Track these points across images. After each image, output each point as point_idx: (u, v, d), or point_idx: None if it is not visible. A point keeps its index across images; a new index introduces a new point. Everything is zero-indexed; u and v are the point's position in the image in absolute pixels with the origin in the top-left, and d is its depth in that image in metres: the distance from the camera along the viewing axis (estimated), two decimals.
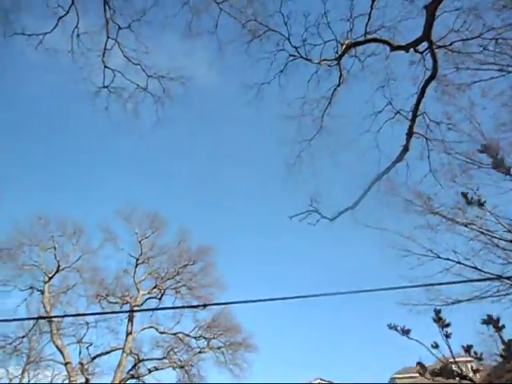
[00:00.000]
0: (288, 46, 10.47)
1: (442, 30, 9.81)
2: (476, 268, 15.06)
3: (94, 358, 26.02)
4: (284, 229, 30.54)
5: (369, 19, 9.75)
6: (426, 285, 18.22)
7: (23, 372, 26.02)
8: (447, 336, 2.80)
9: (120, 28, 11.64)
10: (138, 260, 28.43)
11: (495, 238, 14.71)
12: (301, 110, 11.36)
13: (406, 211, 15.75)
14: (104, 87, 12.19)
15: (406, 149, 9.74)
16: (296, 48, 10.37)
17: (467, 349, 2.47)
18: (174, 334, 27.33)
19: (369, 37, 9.72)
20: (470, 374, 2.78)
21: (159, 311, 28.11)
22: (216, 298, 27.44)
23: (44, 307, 25.57)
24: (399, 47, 9.15)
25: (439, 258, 15.89)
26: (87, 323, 26.35)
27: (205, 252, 28.93)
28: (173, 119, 14.51)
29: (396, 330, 2.93)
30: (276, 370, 31.60)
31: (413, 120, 9.60)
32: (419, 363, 2.88)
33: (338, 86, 10.76)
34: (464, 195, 2.35)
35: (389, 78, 10.48)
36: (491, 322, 2.24)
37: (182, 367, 26.69)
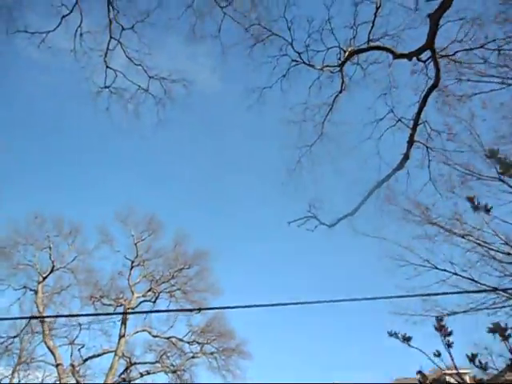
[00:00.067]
0: (291, 51, 10.49)
1: (445, 40, 9.87)
2: (473, 280, 15.02)
3: (86, 360, 25.79)
4: (282, 235, 30.47)
5: (372, 27, 9.78)
6: (422, 295, 18.16)
7: (13, 372, 25.69)
8: (449, 345, 2.74)
9: (123, 29, 11.63)
10: (133, 262, 28.27)
11: (492, 250, 14.69)
12: (302, 115, 11.37)
13: (404, 220, 15.74)
14: (105, 87, 12.16)
15: (406, 157, 9.73)
16: (299, 53, 10.39)
17: (472, 358, 2.40)
18: (167, 338, 27.13)
19: (372, 44, 9.74)
20: None
21: (153, 315, 27.86)
22: (210, 302, 27.35)
23: (37, 307, 25.36)
24: (402, 55, 9.16)
25: (436, 268, 15.85)
26: (80, 325, 26.16)
27: (201, 256, 28.82)
28: (174, 122, 14.47)
29: (397, 337, 2.86)
30: (270, 378, 31.33)
31: (414, 128, 9.60)
32: (419, 372, 2.81)
33: (340, 92, 10.77)
34: (470, 199, 2.30)
35: (391, 85, 10.52)
36: (498, 330, 2.18)
37: (174, 372, 26.46)
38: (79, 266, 27.92)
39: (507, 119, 12.17)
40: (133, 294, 27.48)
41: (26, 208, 32.41)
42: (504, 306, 14.53)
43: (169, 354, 27.03)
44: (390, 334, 2.87)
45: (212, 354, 27.16)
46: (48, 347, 24.45)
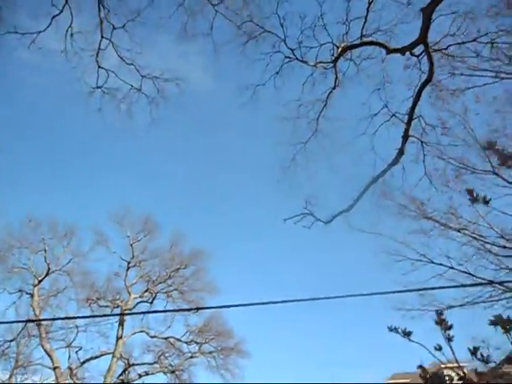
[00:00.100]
0: (284, 47, 10.47)
1: (438, 35, 9.86)
2: (469, 273, 15.07)
3: (84, 362, 25.68)
4: (277, 233, 30.43)
5: (365, 22, 9.77)
6: (419, 289, 18.20)
7: (11, 376, 25.51)
8: (449, 339, 2.71)
9: (114, 28, 11.55)
10: (129, 263, 28.17)
11: (488, 243, 14.74)
12: (296, 112, 11.34)
13: (400, 216, 15.75)
14: (97, 87, 12.08)
15: (401, 152, 9.72)
16: (292, 50, 10.35)
17: (474, 351, 2.38)
18: (165, 339, 27.06)
19: (365, 40, 9.73)
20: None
21: (150, 315, 27.76)
22: (207, 302, 27.29)
23: (33, 310, 25.21)
24: (395, 50, 9.15)
25: (432, 263, 15.88)
26: (77, 327, 26.03)
27: (197, 256, 28.75)
28: (167, 121, 14.43)
29: (397, 332, 2.83)
30: (268, 376, 31.37)
31: (408, 123, 9.60)
32: (420, 366, 2.78)
33: (334, 88, 10.75)
34: (469, 192, 2.28)
35: (384, 81, 10.51)
36: (500, 322, 2.16)
37: (172, 372, 26.40)
38: (75, 268, 27.82)
39: (500, 113, 12.21)
40: (129, 295, 27.37)
41: (19, 210, 32.28)
42: (500, 299, 14.60)
43: (167, 355, 26.99)
44: (390, 329, 2.85)
45: (210, 353, 27.13)
46: (45, 350, 24.31)
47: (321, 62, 10.49)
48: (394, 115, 10.37)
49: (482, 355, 2.35)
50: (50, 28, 11.31)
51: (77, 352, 25.74)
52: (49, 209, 35.81)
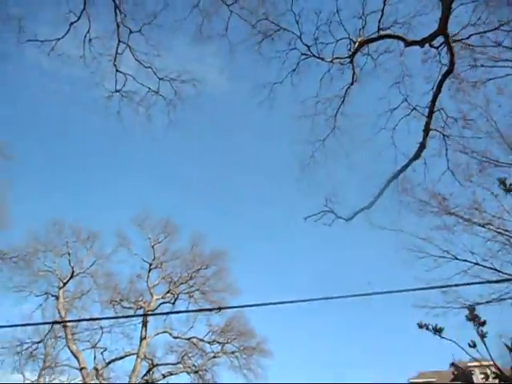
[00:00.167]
0: (300, 44, 10.37)
1: (456, 26, 9.61)
2: (495, 269, 14.71)
3: (109, 363, 26.06)
4: (298, 232, 30.32)
5: (382, 16, 9.60)
6: (442, 286, 17.90)
7: (39, 377, 26.13)
8: (483, 336, 2.63)
9: (131, 32, 11.67)
10: (151, 265, 28.46)
11: None
12: (314, 109, 11.24)
13: (422, 212, 15.47)
14: (116, 91, 12.23)
15: (422, 146, 9.52)
16: (308, 47, 10.25)
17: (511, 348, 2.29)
18: (188, 339, 27.22)
19: (382, 33, 9.56)
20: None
21: (173, 316, 28.08)
22: (229, 302, 27.32)
23: (59, 312, 25.70)
24: (414, 42, 8.96)
25: (456, 259, 15.57)
26: (101, 328, 26.44)
27: (218, 256, 28.86)
28: (184, 123, 14.49)
29: (427, 328, 2.76)
30: (291, 376, 31.26)
31: (429, 116, 9.38)
32: (453, 364, 2.70)
33: (352, 84, 10.60)
34: (501, 182, 2.20)
35: (404, 74, 10.30)
36: None
37: (196, 372, 26.55)
38: (98, 271, 28.28)
39: None
40: (152, 296, 27.64)
41: (41, 213, 32.98)
42: None
43: (190, 355, 27.16)
44: (420, 326, 2.78)
45: (233, 353, 27.17)
46: (71, 351, 24.77)
47: (338, 58, 10.37)
48: (414, 109, 10.16)
49: None
50: (69, 35, 11.51)
51: (102, 353, 26.20)
52: (70, 213, 36.53)
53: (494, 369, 2.48)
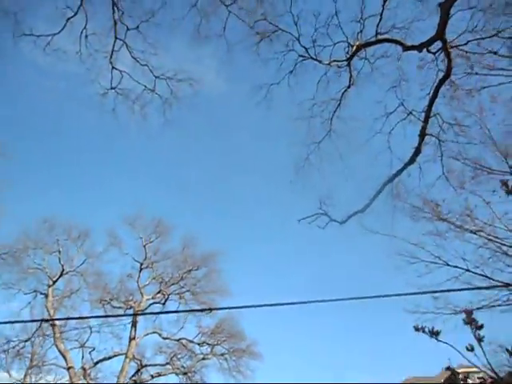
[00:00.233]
0: (298, 46, 10.37)
1: (452, 34, 9.67)
2: (485, 276, 14.77)
3: (97, 362, 25.82)
4: (290, 234, 30.35)
5: (380, 20, 9.63)
6: (434, 291, 17.91)
7: (25, 376, 25.80)
8: (480, 339, 2.60)
9: (128, 29, 11.60)
10: (142, 265, 28.28)
11: (505, 245, 14.45)
12: (310, 111, 11.24)
13: (415, 217, 15.52)
14: (111, 88, 12.14)
15: (418, 151, 9.55)
16: (306, 49, 10.25)
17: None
18: (178, 340, 27.06)
19: (380, 37, 9.59)
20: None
21: (163, 317, 27.79)
22: (219, 304, 27.26)
23: (47, 311, 25.44)
24: (412, 47, 9.00)
25: (448, 265, 15.60)
26: (90, 328, 26.20)
27: (209, 258, 28.74)
28: (180, 122, 14.43)
29: (424, 331, 2.73)
30: (280, 378, 31.19)
31: (426, 121, 9.42)
32: (448, 368, 2.67)
33: (348, 87, 10.62)
34: (504, 183, 2.16)
35: (400, 78, 10.33)
36: None
37: (185, 373, 26.39)
38: (88, 270, 28.04)
39: None
40: (142, 296, 27.46)
41: (33, 210, 32.70)
42: None
43: (179, 356, 26.98)
44: (417, 329, 2.75)
45: (222, 355, 27.06)
46: (59, 350, 24.51)
47: (335, 61, 10.38)
48: (410, 113, 10.19)
49: None
50: (65, 30, 11.42)
51: (90, 352, 25.94)
52: (63, 210, 36.27)
53: (491, 373, 2.46)
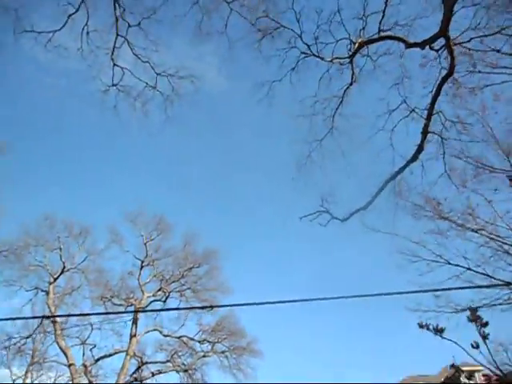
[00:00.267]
0: (300, 43, 10.34)
1: (457, 31, 9.61)
2: (486, 275, 14.74)
3: (98, 360, 25.86)
4: (292, 232, 30.32)
5: (383, 17, 9.58)
6: (435, 290, 17.87)
7: (26, 372, 25.89)
8: (485, 337, 2.57)
9: (130, 26, 11.57)
10: (143, 262, 28.28)
11: (506, 244, 14.43)
12: (312, 109, 11.20)
13: (416, 216, 15.49)
14: (113, 85, 12.12)
15: (420, 148, 9.52)
16: (308, 45, 10.21)
17: None
18: (178, 338, 27.09)
19: (383, 34, 9.54)
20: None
21: (164, 314, 27.79)
22: (220, 301, 27.29)
23: (49, 308, 25.46)
24: (415, 44, 8.96)
25: (449, 264, 15.57)
26: (91, 325, 26.26)
27: (210, 255, 28.77)
28: (181, 119, 14.39)
29: (428, 329, 2.71)
30: (281, 376, 31.26)
31: (428, 119, 9.38)
32: (453, 365, 2.64)
33: (351, 84, 10.58)
34: (511, 179, 2.14)
35: (403, 76, 10.28)
36: None
37: (185, 371, 26.42)
38: (89, 267, 28.07)
39: None
40: (143, 293, 27.48)
41: (34, 207, 32.73)
42: None
43: (180, 354, 27.02)
44: (421, 326, 2.73)
45: (223, 352, 27.08)
46: (60, 347, 24.54)
47: (337, 58, 10.34)
48: (413, 110, 10.15)
49: None
50: (66, 27, 11.39)
51: (91, 349, 25.98)
52: (64, 207, 36.26)
53: (496, 370, 2.43)
